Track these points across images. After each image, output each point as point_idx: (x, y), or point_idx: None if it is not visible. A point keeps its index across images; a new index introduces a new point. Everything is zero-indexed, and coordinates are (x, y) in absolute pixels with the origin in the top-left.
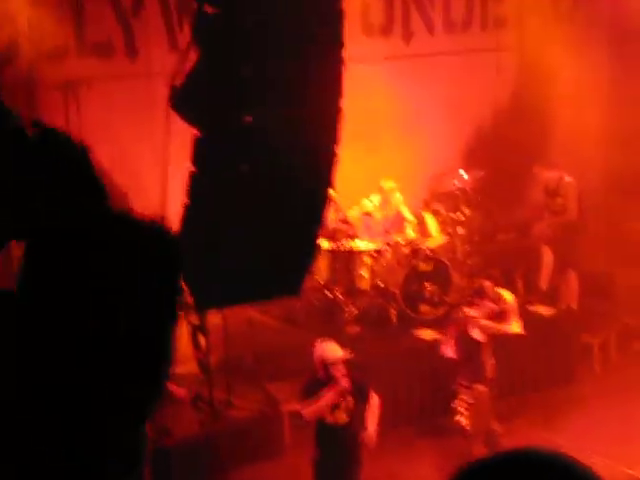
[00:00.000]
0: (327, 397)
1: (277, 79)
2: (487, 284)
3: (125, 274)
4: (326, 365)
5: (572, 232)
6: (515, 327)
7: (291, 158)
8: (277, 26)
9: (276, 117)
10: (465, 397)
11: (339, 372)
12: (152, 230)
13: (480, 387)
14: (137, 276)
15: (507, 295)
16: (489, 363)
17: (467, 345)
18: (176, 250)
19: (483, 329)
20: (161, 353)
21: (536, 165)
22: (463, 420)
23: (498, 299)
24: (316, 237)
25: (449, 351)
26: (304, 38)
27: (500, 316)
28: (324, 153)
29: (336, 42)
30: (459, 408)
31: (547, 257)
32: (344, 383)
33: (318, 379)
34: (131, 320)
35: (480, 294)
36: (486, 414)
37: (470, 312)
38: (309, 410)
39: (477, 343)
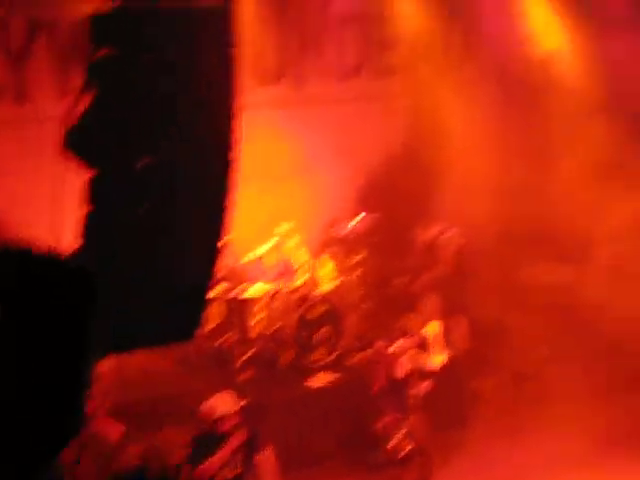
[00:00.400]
0: (220, 457)
1: (170, 125)
2: (412, 317)
3: (43, 309)
4: (217, 420)
5: (462, 279)
6: (438, 359)
7: (185, 203)
8: (170, 72)
9: (169, 161)
10: (400, 428)
11: (231, 426)
12: (68, 266)
13: (413, 417)
14: (55, 311)
15: (432, 327)
16: (417, 391)
17: (393, 382)
18: (93, 284)
19: (405, 364)
20: (79, 385)
21: (423, 215)
22: (399, 448)
23: (421, 332)
24: (210, 282)
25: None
26: (199, 83)
27: (423, 348)
28: (218, 199)
29: (230, 89)
30: (395, 439)
31: (432, 304)
32: (238, 438)
33: (208, 433)
34: (49, 355)
35: (403, 331)
36: (424, 441)
37: (393, 349)
38: (202, 471)
39: (402, 379)
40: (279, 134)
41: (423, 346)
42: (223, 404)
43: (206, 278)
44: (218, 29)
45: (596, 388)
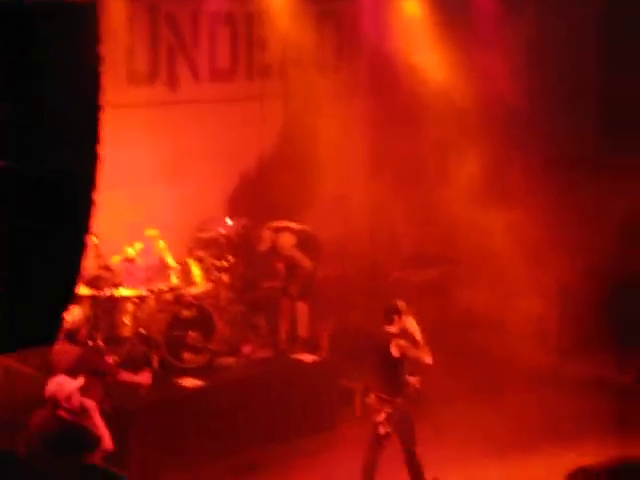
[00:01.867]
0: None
1: (31, 123)
2: (401, 303)
3: None
4: (60, 401)
5: (333, 282)
6: (428, 357)
7: (47, 201)
8: (34, 69)
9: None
10: (385, 408)
11: (76, 403)
12: None
13: (399, 399)
14: None
15: (411, 322)
16: (409, 378)
17: (386, 360)
18: None
19: (400, 348)
20: None
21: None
22: (382, 429)
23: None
24: (72, 284)
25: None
26: (61, 82)
27: (414, 342)
28: (81, 199)
29: (95, 87)
30: (379, 419)
31: (301, 306)
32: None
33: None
34: None
35: (398, 312)
36: (411, 425)
37: (390, 329)
38: None
39: (396, 359)
40: (153, 135)
41: (415, 340)
42: (65, 384)
43: (68, 279)
44: (83, 26)
45: (464, 390)
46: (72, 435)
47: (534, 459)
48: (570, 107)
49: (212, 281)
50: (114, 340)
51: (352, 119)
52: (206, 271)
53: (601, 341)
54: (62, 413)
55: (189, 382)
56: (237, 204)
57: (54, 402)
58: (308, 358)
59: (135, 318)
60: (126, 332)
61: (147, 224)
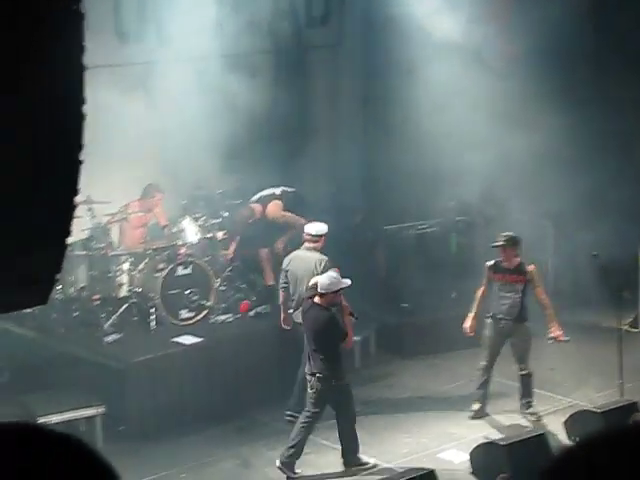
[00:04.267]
0: None
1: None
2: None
3: None
4: None
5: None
6: None
7: (28, 161)
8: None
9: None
10: None
11: None
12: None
13: None
14: None
15: None
16: None
17: None
18: None
19: None
20: None
21: None
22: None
23: None
24: (62, 243)
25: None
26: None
27: None
28: (66, 160)
29: (77, 45)
30: None
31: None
32: None
33: None
34: None
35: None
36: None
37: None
38: None
39: None
40: (148, 92)
41: None
42: None
43: (58, 239)
44: None
45: None
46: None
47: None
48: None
49: (208, 238)
50: (111, 299)
51: (343, 70)
52: (202, 228)
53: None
54: None
55: (187, 339)
56: (231, 161)
57: None
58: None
59: (131, 276)
60: (122, 291)
61: (142, 182)
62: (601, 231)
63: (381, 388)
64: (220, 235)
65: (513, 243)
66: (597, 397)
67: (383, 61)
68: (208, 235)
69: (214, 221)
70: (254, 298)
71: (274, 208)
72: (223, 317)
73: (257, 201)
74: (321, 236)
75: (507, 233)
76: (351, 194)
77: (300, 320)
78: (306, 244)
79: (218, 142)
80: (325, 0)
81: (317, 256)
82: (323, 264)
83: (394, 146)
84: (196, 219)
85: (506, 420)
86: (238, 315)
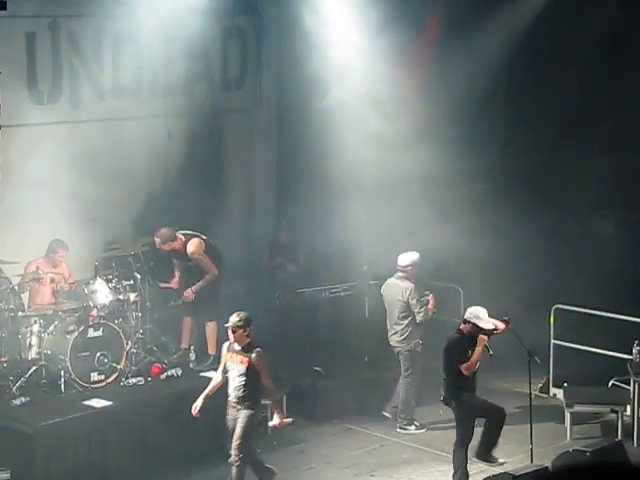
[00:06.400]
0: None
1: None
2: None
3: None
4: None
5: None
6: None
7: None
8: None
9: None
10: None
11: None
12: None
13: None
14: None
15: None
16: None
17: None
18: None
19: None
20: None
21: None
22: None
23: None
24: None
25: None
26: None
27: None
28: None
29: None
30: None
31: (209, 325)
32: None
33: None
34: None
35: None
36: None
37: None
38: None
39: None
40: (58, 153)
41: None
42: None
43: None
44: None
45: None
46: None
47: None
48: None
49: (120, 300)
50: (20, 362)
51: (259, 134)
52: (113, 290)
53: None
54: None
55: (97, 403)
56: (143, 222)
57: None
58: None
59: (41, 339)
60: (32, 353)
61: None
62: (510, 298)
63: (293, 453)
64: (132, 297)
65: (246, 324)
66: (508, 463)
67: (297, 121)
68: (120, 297)
69: (126, 283)
70: (165, 361)
71: (197, 245)
72: (134, 380)
73: (182, 234)
74: (408, 266)
75: (240, 313)
76: (265, 256)
77: (393, 344)
78: (398, 273)
79: (132, 202)
80: (241, 63)
81: (404, 284)
82: (409, 292)
83: (309, 208)
84: (108, 280)
85: None
86: (149, 378)
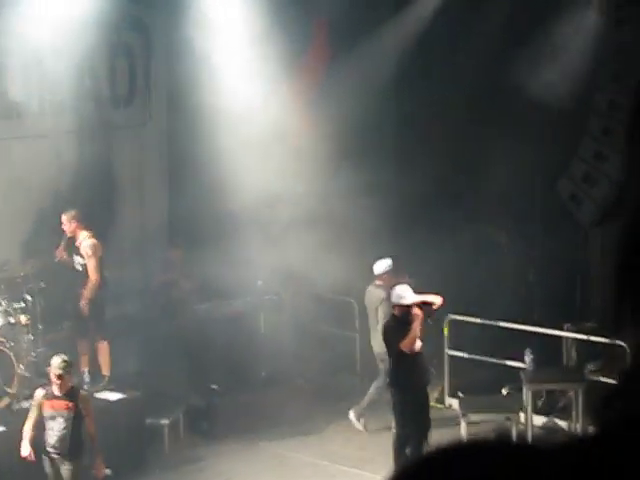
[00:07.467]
0: None
1: None
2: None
3: None
4: None
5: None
6: None
7: None
8: None
9: None
10: None
11: None
12: None
13: None
14: None
15: None
16: None
17: None
18: None
19: None
20: None
21: None
22: None
23: None
24: None
25: None
26: None
27: None
28: None
29: None
30: None
31: (101, 345)
32: None
33: None
34: None
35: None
36: None
37: None
38: None
39: None
40: None
41: None
42: None
43: None
44: None
45: None
46: None
47: None
48: None
49: (10, 323)
50: None
51: (148, 150)
52: (4, 313)
53: None
54: None
55: None
56: (32, 243)
57: None
58: (113, 397)
59: None
60: None
61: None
62: None
63: (192, 473)
64: (24, 319)
65: (71, 367)
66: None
67: (188, 137)
68: (10, 320)
69: (17, 305)
70: None
71: (96, 245)
72: (27, 404)
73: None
74: (383, 274)
75: (62, 355)
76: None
77: (375, 348)
78: (375, 281)
79: (20, 223)
80: (130, 80)
81: (378, 293)
82: (380, 301)
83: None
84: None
85: None
86: None
